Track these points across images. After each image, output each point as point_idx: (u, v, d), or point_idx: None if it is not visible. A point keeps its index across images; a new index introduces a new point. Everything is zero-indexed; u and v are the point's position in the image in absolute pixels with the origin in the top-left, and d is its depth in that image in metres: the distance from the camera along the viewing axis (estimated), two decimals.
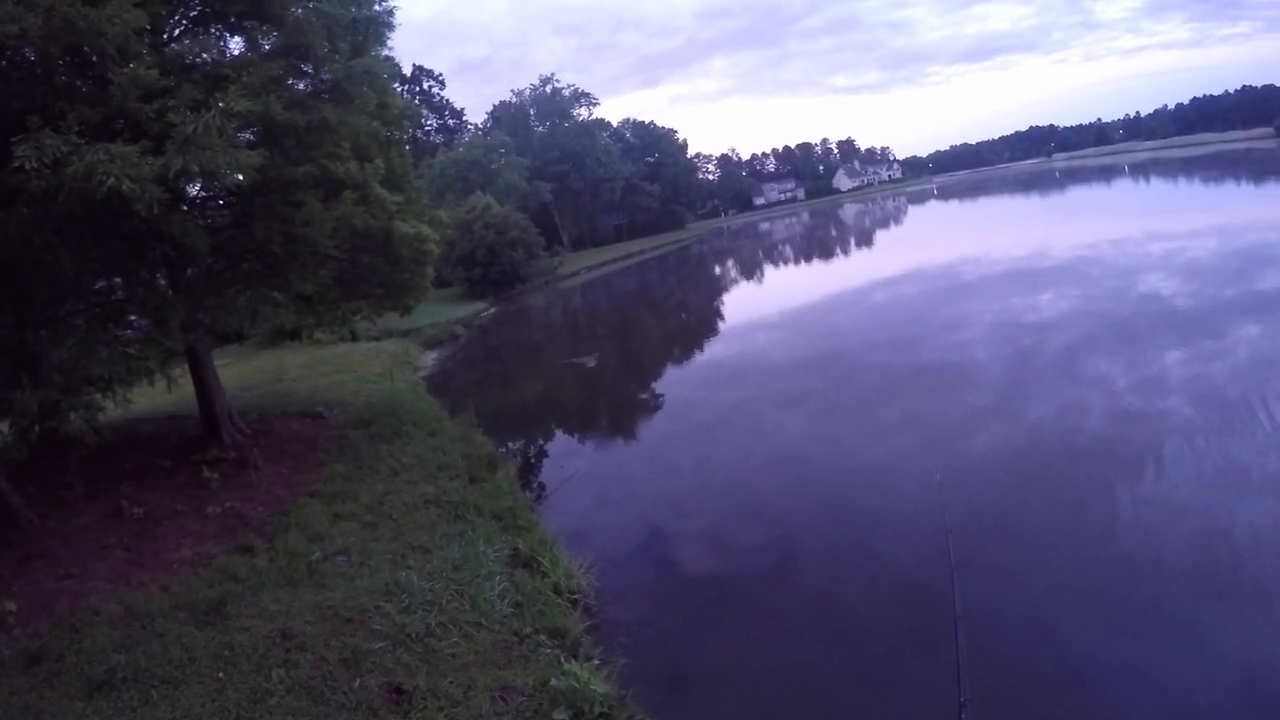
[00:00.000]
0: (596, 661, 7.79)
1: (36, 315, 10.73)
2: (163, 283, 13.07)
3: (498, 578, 9.35)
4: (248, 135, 10.74)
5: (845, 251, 63.96)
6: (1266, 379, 14.11)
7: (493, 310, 51.40)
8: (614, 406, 22.56)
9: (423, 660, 7.39)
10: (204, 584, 8.92)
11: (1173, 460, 11.75)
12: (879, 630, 8.79)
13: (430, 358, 34.40)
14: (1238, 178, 64.80)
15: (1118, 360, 17.19)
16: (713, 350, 28.37)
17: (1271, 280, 22.10)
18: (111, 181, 8.01)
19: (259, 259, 12.51)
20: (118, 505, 11.13)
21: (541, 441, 19.72)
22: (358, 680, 6.90)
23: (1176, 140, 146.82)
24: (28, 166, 7.87)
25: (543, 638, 8.29)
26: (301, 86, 12.03)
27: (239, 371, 24.31)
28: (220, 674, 7.01)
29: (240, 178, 9.68)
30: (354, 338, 33.44)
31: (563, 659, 7.64)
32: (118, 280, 13.05)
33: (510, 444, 18.87)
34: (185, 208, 12.12)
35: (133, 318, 12.60)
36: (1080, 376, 16.55)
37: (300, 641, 7.51)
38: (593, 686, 6.99)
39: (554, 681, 7.01)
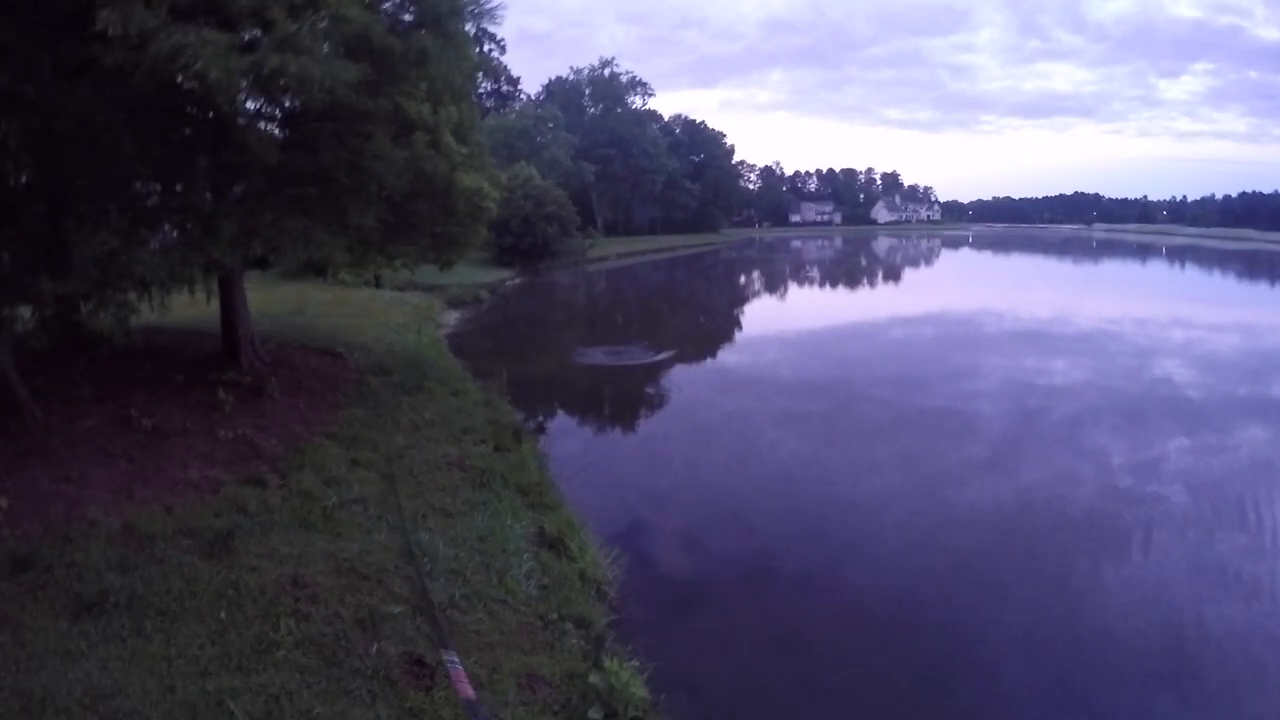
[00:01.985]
0: (636, 663, 7.04)
1: (73, 205, 9.97)
2: (207, 195, 12.31)
3: (525, 555, 8.65)
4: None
5: (872, 283, 64.60)
6: (1261, 482, 14.01)
7: (518, 280, 50.67)
8: (618, 395, 22.14)
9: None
10: (211, 512, 8.16)
11: (1141, 548, 11.53)
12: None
13: (453, 317, 33.76)
14: (1273, 280, 65.67)
15: (1118, 438, 17.11)
16: (724, 357, 27.90)
17: None
18: (200, 65, 7.19)
19: (321, 185, 11.67)
20: (126, 414, 10.39)
21: (541, 418, 18.98)
22: (375, 645, 6.15)
23: (1219, 231, 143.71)
24: (110, 33, 7.08)
25: (569, 626, 7.62)
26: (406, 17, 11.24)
27: (261, 298, 23.35)
28: (223, 614, 6.25)
29: (327, 94, 8.79)
30: (378, 284, 32.82)
31: (603, 656, 6.90)
32: (156, 186, 12.24)
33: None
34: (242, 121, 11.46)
35: (166, 226, 11.84)
36: (1077, 448, 16.46)
37: (313, 592, 6.77)
38: (631, 689, 6.30)
39: (593, 679, 6.31)
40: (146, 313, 11.36)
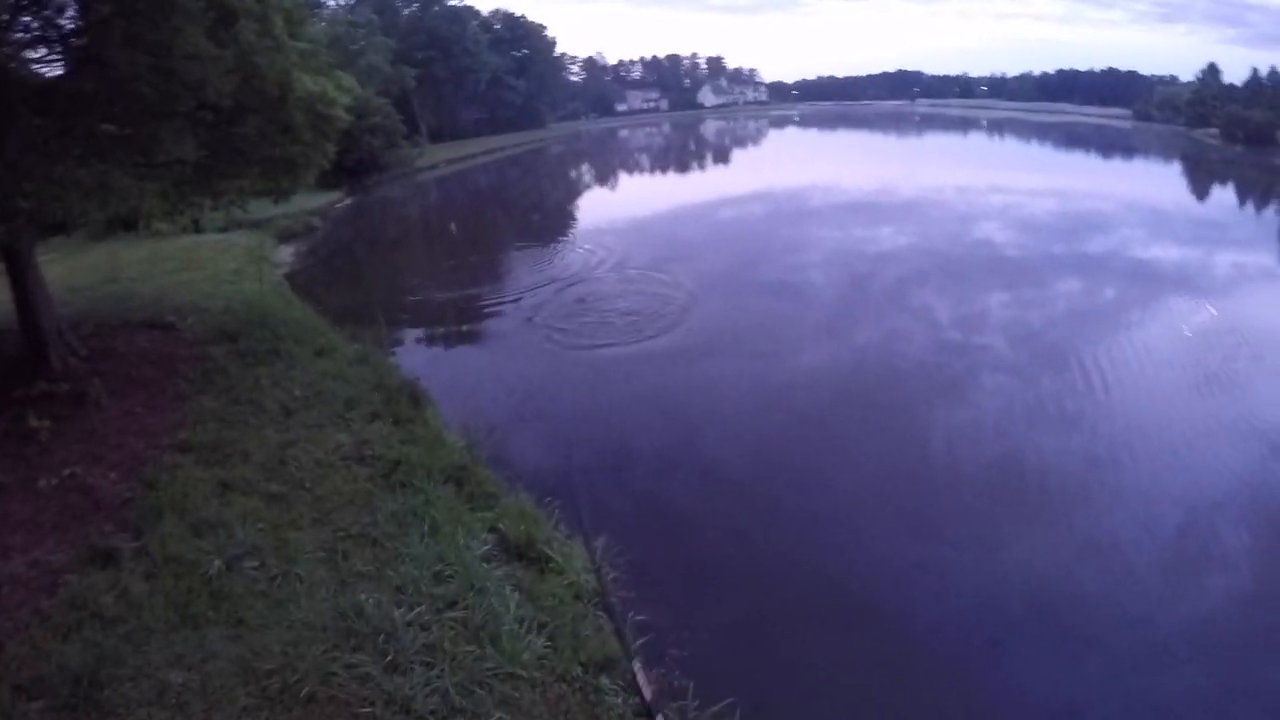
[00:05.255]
0: None
1: None
2: None
3: (507, 590, 6.49)
4: None
5: (701, 166, 65.91)
6: (1075, 328, 15.94)
7: (349, 201, 46.10)
8: (476, 300, 20.96)
9: None
10: (55, 635, 5.58)
11: (967, 391, 13.09)
12: None
13: (287, 253, 29.89)
14: (1087, 149, 70.48)
15: (943, 297, 18.58)
16: (565, 255, 26.08)
17: (1098, 244, 24.53)
18: None
19: (119, 112, 8.43)
20: None
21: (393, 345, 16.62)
22: None
23: (1037, 105, 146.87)
24: None
25: (603, 680, 5.84)
26: None
27: (64, 270, 19.42)
28: None
29: None
30: (198, 229, 28.47)
31: None
32: None
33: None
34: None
35: None
36: (905, 307, 17.89)
37: None
38: None
39: None
40: None
